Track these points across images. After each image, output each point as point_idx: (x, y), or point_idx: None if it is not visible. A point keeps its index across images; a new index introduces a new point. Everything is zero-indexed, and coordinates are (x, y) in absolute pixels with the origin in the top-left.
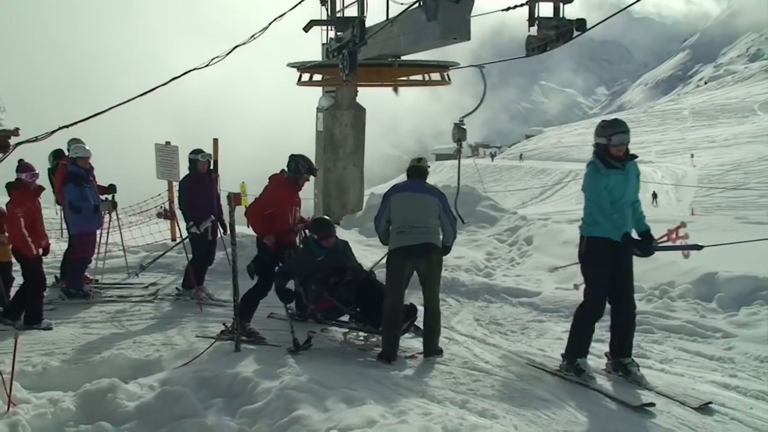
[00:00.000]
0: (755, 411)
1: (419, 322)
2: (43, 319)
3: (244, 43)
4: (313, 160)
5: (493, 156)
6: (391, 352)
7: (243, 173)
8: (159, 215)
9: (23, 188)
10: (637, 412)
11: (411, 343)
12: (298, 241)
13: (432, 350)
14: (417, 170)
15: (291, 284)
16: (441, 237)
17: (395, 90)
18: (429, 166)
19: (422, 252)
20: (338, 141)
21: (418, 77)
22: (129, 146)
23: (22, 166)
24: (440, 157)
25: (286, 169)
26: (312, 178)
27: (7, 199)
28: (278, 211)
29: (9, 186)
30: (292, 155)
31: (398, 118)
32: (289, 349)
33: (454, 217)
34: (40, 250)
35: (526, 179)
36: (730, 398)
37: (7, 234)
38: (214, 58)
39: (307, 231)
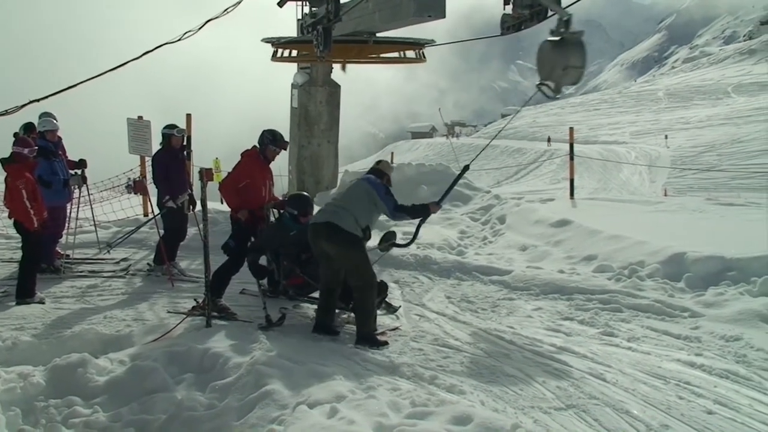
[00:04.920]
0: (719, 389)
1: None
2: (36, 293)
3: (216, 17)
4: (287, 136)
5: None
6: (320, 322)
7: (217, 149)
8: (128, 188)
9: (22, 161)
10: (603, 386)
11: (382, 320)
12: (272, 217)
13: (359, 337)
14: (373, 169)
15: (264, 261)
16: (359, 221)
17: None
18: (391, 168)
19: (323, 232)
20: (313, 117)
21: (394, 54)
22: (102, 120)
23: (21, 140)
24: (416, 135)
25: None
26: (281, 151)
27: None
28: (251, 184)
29: (5, 161)
30: (262, 130)
31: (376, 97)
32: (260, 325)
33: (393, 201)
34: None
35: (502, 158)
36: (695, 376)
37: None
38: (186, 32)
39: (275, 210)
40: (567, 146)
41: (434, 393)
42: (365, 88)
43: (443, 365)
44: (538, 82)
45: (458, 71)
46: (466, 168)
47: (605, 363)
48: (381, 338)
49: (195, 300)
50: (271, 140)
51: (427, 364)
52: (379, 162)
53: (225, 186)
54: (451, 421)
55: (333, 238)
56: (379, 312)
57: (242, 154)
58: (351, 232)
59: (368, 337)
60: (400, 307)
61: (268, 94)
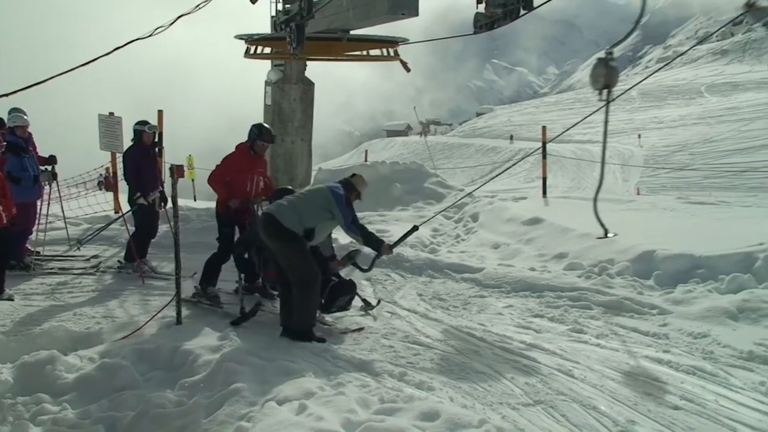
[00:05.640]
0: (686, 385)
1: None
2: (5, 290)
3: (188, 13)
4: None
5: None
6: (285, 324)
7: (191, 146)
8: (99, 184)
9: None
10: (571, 383)
11: (356, 318)
12: (259, 211)
13: (292, 331)
14: (345, 180)
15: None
16: (304, 221)
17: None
18: (365, 185)
19: (262, 224)
20: (286, 115)
21: (375, 52)
22: (73, 116)
23: None
24: (391, 133)
25: None
26: (269, 144)
27: None
28: (237, 178)
29: None
30: (252, 124)
31: (351, 95)
32: (232, 321)
33: (352, 214)
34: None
35: (477, 157)
36: (662, 373)
37: None
38: (157, 28)
39: (262, 204)
40: (539, 145)
41: (403, 389)
42: (341, 86)
43: (413, 362)
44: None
45: (435, 70)
46: (416, 228)
47: (574, 359)
48: (318, 335)
49: (195, 287)
50: (257, 135)
51: (397, 361)
52: (353, 175)
53: (213, 179)
54: (419, 417)
55: (270, 232)
56: (354, 311)
57: (236, 147)
58: (289, 229)
59: (301, 333)
60: (378, 302)
61: (243, 90)
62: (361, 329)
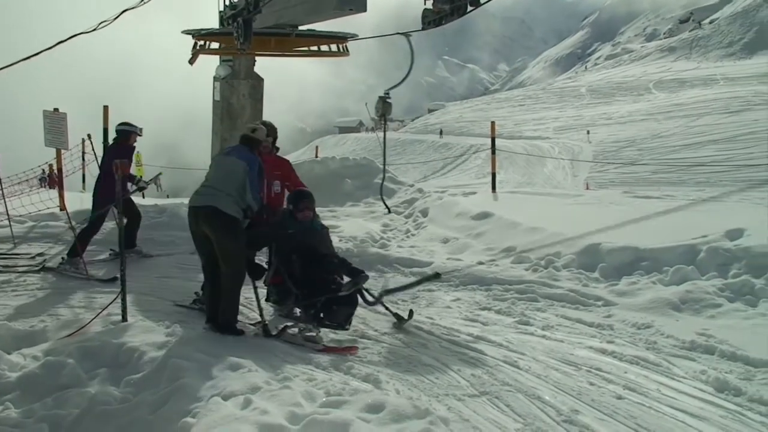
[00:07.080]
0: (629, 375)
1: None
2: None
3: (133, 8)
4: (210, 129)
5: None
6: (210, 316)
7: (139, 143)
8: (42, 180)
9: None
10: (516, 374)
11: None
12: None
13: (219, 323)
14: (245, 138)
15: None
16: (239, 203)
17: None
18: (266, 139)
19: (204, 216)
20: (235, 111)
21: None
22: (16, 112)
23: None
24: (343, 130)
25: None
26: (270, 138)
27: None
28: None
29: None
30: None
31: (304, 92)
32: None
33: (260, 185)
34: None
35: (428, 153)
36: (606, 363)
37: None
38: (102, 22)
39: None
40: (489, 141)
41: (349, 383)
42: (293, 83)
43: (361, 356)
44: None
45: (387, 67)
46: (438, 275)
47: (519, 351)
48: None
49: (195, 293)
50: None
51: (345, 354)
52: (254, 130)
53: None
54: (365, 409)
55: (213, 222)
56: (389, 328)
57: None
58: (232, 215)
59: (226, 325)
60: (411, 314)
61: (195, 86)
62: (355, 348)
